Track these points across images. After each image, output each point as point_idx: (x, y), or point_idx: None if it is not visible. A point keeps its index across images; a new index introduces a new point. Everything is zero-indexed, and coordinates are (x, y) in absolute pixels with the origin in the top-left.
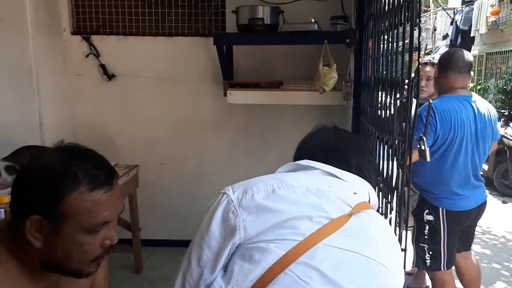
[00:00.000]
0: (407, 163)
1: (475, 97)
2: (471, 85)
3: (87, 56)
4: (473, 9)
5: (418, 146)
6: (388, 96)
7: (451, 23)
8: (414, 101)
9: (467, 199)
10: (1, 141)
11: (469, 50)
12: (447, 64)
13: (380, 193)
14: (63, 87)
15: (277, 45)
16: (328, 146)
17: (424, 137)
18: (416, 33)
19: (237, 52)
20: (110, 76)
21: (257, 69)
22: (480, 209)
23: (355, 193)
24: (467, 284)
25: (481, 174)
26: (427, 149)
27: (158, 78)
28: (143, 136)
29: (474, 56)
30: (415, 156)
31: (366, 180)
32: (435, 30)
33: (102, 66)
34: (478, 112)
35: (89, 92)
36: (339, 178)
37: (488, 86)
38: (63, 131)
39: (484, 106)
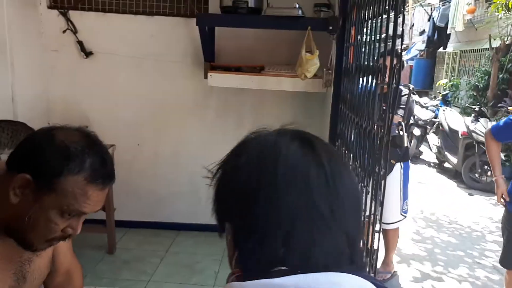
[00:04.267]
0: (385, 148)
1: None
2: (444, 81)
3: (64, 31)
4: (450, 6)
5: (396, 131)
6: (369, 82)
7: (429, 19)
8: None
9: None
10: None
11: (445, 46)
12: None
13: (357, 178)
14: (37, 62)
15: (260, 29)
16: (320, 210)
17: (403, 123)
18: (400, 20)
19: (219, 34)
20: (88, 53)
21: (239, 53)
22: None
23: None
24: None
25: (450, 168)
26: (405, 135)
27: (137, 57)
28: (120, 115)
29: (449, 53)
30: None
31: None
32: (412, 26)
33: (80, 43)
34: None
35: (65, 68)
36: None
37: (460, 83)
38: (37, 107)
39: None
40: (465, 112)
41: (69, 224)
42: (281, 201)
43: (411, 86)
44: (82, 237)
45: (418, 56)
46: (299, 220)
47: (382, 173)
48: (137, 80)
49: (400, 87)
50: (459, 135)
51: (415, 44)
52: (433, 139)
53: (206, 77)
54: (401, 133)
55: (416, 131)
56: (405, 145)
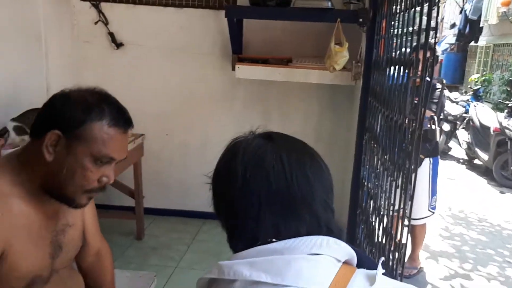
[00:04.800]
0: (417, 142)
1: None
2: (475, 76)
3: (95, 23)
4: None
5: (428, 125)
6: (401, 75)
7: (460, 12)
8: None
9: None
10: (10, 103)
11: (477, 40)
12: None
13: (386, 172)
14: (70, 53)
15: (288, 21)
16: (280, 191)
17: (435, 117)
18: (434, 12)
19: (247, 26)
20: (118, 45)
21: (267, 45)
22: None
23: None
24: None
25: (480, 164)
26: (437, 129)
27: (166, 48)
28: (149, 106)
29: (481, 47)
30: None
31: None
32: (442, 19)
33: (111, 34)
34: None
35: (97, 59)
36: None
37: (493, 77)
38: None
39: None
40: (497, 107)
41: (103, 173)
42: (248, 187)
43: (443, 80)
44: (112, 223)
45: (448, 50)
46: (264, 203)
47: (412, 167)
48: (166, 71)
49: (433, 81)
50: (491, 131)
51: (445, 38)
52: (463, 135)
53: (233, 69)
54: (433, 127)
55: (446, 127)
56: (437, 139)
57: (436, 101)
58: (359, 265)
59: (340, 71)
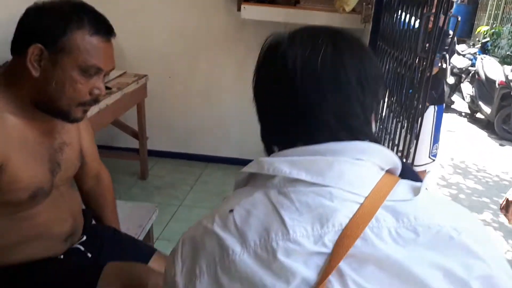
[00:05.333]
0: (427, 81)
1: None
2: (485, 28)
3: None
4: None
5: (440, 64)
6: (414, 14)
7: None
8: (442, 17)
9: None
10: None
11: None
12: None
13: (392, 114)
14: None
15: None
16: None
17: (447, 55)
18: None
19: None
20: None
21: None
22: None
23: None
24: None
25: (482, 118)
26: (448, 67)
27: None
28: (152, 47)
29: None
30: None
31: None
32: None
33: None
34: None
35: None
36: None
37: (502, 30)
38: None
39: None
40: (504, 61)
41: (93, 85)
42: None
43: (459, 17)
44: (116, 164)
45: (459, 2)
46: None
47: (420, 107)
48: (169, 10)
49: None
50: (496, 84)
51: None
52: (467, 89)
53: (239, 9)
54: (444, 66)
55: (450, 80)
56: (448, 78)
57: (447, 47)
58: (401, 176)
59: (349, 13)
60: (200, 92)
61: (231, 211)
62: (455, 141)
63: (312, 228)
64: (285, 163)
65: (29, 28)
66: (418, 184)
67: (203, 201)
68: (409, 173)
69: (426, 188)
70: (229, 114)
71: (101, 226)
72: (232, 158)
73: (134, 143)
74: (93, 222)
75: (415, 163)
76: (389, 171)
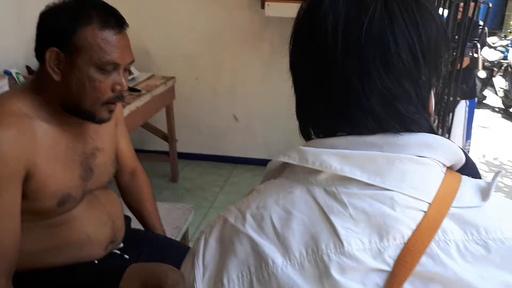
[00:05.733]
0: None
1: None
2: None
3: None
4: None
5: (470, 53)
6: (441, 3)
7: None
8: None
9: None
10: None
11: None
12: None
13: None
14: None
15: None
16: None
17: (478, 44)
18: None
19: None
20: None
21: None
22: None
23: None
24: None
25: None
26: (480, 56)
27: None
28: (178, 47)
29: None
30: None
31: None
32: None
33: None
34: None
35: (125, 2)
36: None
37: None
38: None
39: None
40: None
41: (113, 81)
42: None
43: (490, 4)
44: (148, 166)
45: None
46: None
47: (451, 99)
48: (193, 11)
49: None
50: None
51: None
52: (500, 82)
53: (263, 6)
54: (475, 55)
55: (481, 74)
56: (480, 68)
57: (477, 39)
58: (460, 170)
59: None
60: (226, 93)
61: (264, 209)
62: (488, 137)
63: (369, 240)
64: (335, 157)
65: (44, 33)
66: (483, 183)
67: (233, 202)
68: (469, 165)
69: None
70: (255, 114)
71: (139, 231)
72: (259, 159)
73: (163, 146)
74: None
75: None
76: (449, 167)
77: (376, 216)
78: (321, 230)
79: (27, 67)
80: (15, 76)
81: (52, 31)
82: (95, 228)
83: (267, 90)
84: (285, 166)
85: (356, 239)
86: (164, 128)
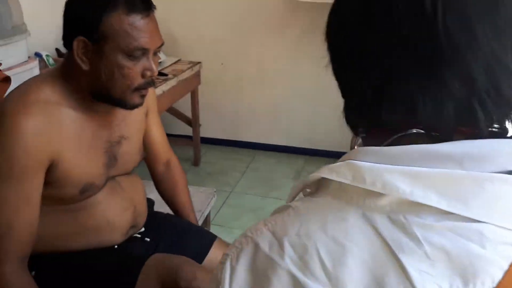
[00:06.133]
0: None
1: None
2: None
3: None
4: None
5: None
6: None
7: None
8: None
9: None
10: None
11: None
12: None
13: None
14: None
15: None
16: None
17: None
18: None
19: None
20: None
21: None
22: None
23: None
24: None
25: None
26: None
27: None
28: (203, 32)
29: None
30: None
31: None
32: None
33: None
34: None
35: None
36: None
37: None
38: None
39: None
40: None
41: (143, 67)
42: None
43: None
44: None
45: None
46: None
47: None
48: None
49: None
50: None
51: None
52: None
53: None
54: None
55: None
56: None
57: None
58: None
59: None
60: (252, 79)
61: (308, 238)
62: None
63: (450, 286)
64: (402, 177)
65: (70, 21)
66: None
67: (253, 187)
68: None
69: None
70: (278, 101)
71: (161, 214)
72: (281, 146)
73: (186, 130)
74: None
75: None
76: None
77: (460, 256)
78: (387, 271)
79: (57, 50)
80: (45, 59)
81: (78, 20)
82: (116, 214)
83: (293, 76)
84: (329, 182)
85: (433, 284)
86: (188, 112)
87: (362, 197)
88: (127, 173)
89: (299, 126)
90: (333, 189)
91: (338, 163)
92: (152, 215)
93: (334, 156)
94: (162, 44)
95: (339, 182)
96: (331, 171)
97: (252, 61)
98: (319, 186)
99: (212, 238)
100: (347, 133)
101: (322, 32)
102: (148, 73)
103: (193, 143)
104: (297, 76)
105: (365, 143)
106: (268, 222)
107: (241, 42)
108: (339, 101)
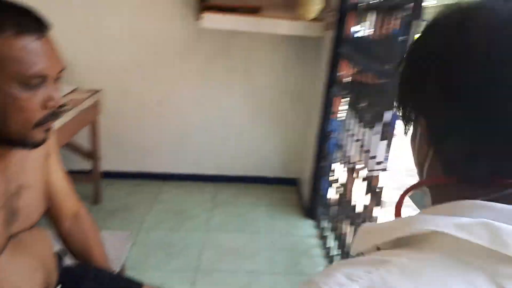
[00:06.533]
0: None
1: None
2: None
3: None
4: None
5: None
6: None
7: None
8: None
9: None
10: None
11: None
12: None
13: (359, 120)
14: None
15: None
16: None
17: None
18: None
19: None
20: None
21: None
22: None
23: None
24: None
25: None
26: None
27: None
28: (103, 60)
29: None
30: None
31: None
32: None
33: None
34: None
35: (45, 7)
36: None
37: None
38: None
39: None
40: None
41: (43, 97)
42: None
43: None
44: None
45: None
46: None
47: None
48: (122, 20)
49: None
50: None
51: None
52: None
53: (197, 18)
54: None
55: None
56: None
57: None
58: None
59: (312, 21)
60: (156, 107)
61: None
62: None
63: None
64: None
65: None
66: None
67: (164, 221)
68: None
69: None
70: (184, 128)
71: (78, 267)
72: (189, 175)
73: (83, 165)
74: (68, 263)
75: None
76: None
77: None
78: None
79: None
80: None
81: None
82: (23, 278)
83: (199, 103)
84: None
85: None
86: (86, 145)
87: (492, 262)
88: (32, 227)
89: (207, 153)
90: (447, 246)
91: (468, 221)
92: (66, 270)
93: (243, 181)
94: (63, 69)
95: (457, 238)
96: (460, 229)
97: (156, 89)
98: (411, 240)
99: (138, 286)
100: (254, 158)
101: (225, 56)
102: (50, 103)
103: (92, 179)
104: (202, 102)
105: (458, 191)
106: (354, 277)
107: (144, 68)
108: (243, 127)
